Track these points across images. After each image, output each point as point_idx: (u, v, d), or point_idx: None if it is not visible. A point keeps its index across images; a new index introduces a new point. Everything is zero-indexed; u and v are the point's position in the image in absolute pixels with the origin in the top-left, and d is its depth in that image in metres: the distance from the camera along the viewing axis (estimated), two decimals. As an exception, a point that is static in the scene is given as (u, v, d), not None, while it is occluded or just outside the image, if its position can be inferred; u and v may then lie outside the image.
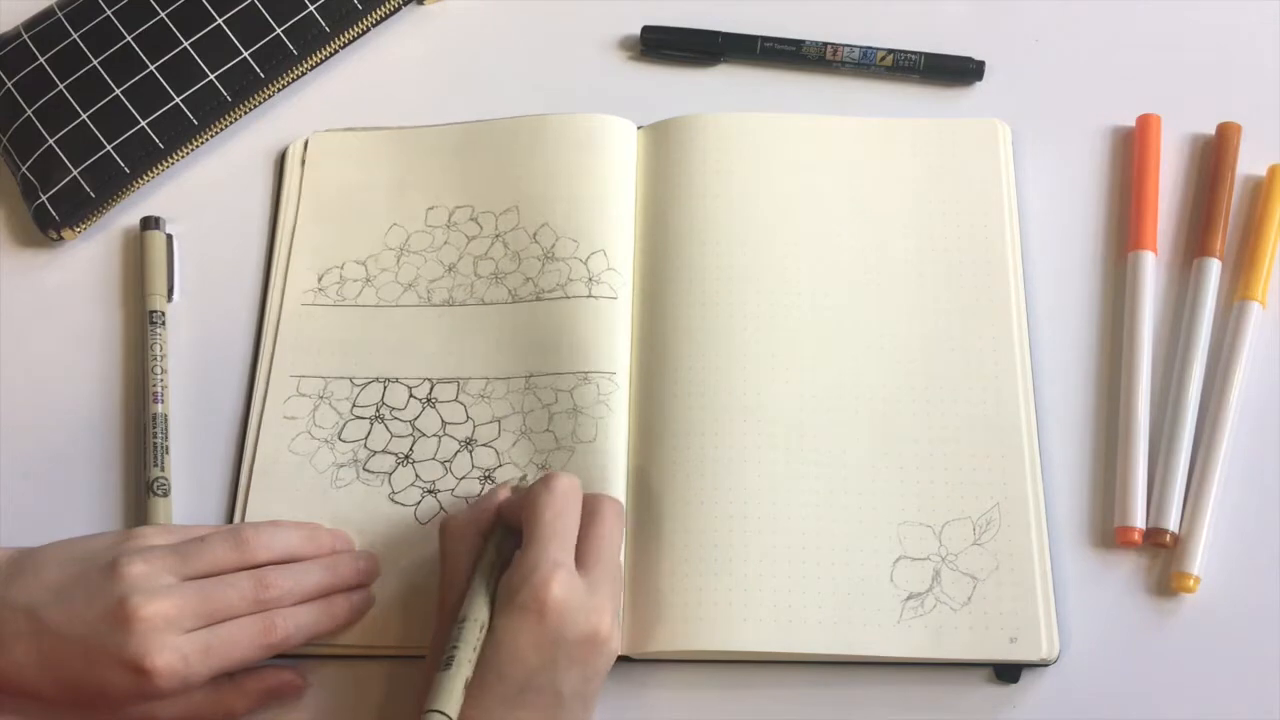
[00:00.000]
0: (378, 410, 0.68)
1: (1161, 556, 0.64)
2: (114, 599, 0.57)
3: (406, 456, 0.67)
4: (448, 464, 0.67)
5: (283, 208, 0.75)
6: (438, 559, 0.61)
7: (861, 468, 0.65)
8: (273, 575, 0.60)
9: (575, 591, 0.56)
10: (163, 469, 0.68)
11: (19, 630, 0.57)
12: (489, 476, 0.66)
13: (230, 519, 0.67)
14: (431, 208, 0.74)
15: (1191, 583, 0.63)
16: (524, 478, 0.66)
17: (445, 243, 0.73)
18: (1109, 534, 0.65)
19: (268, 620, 0.60)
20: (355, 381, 0.69)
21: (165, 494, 0.67)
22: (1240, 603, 0.63)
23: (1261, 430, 0.66)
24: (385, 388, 0.69)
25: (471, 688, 0.55)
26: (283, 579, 0.60)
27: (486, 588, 0.57)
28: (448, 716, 0.53)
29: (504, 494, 0.61)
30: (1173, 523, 0.64)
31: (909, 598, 0.62)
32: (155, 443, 0.68)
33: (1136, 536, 0.64)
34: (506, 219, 0.72)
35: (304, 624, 0.61)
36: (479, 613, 0.57)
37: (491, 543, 0.60)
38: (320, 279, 0.72)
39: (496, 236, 0.72)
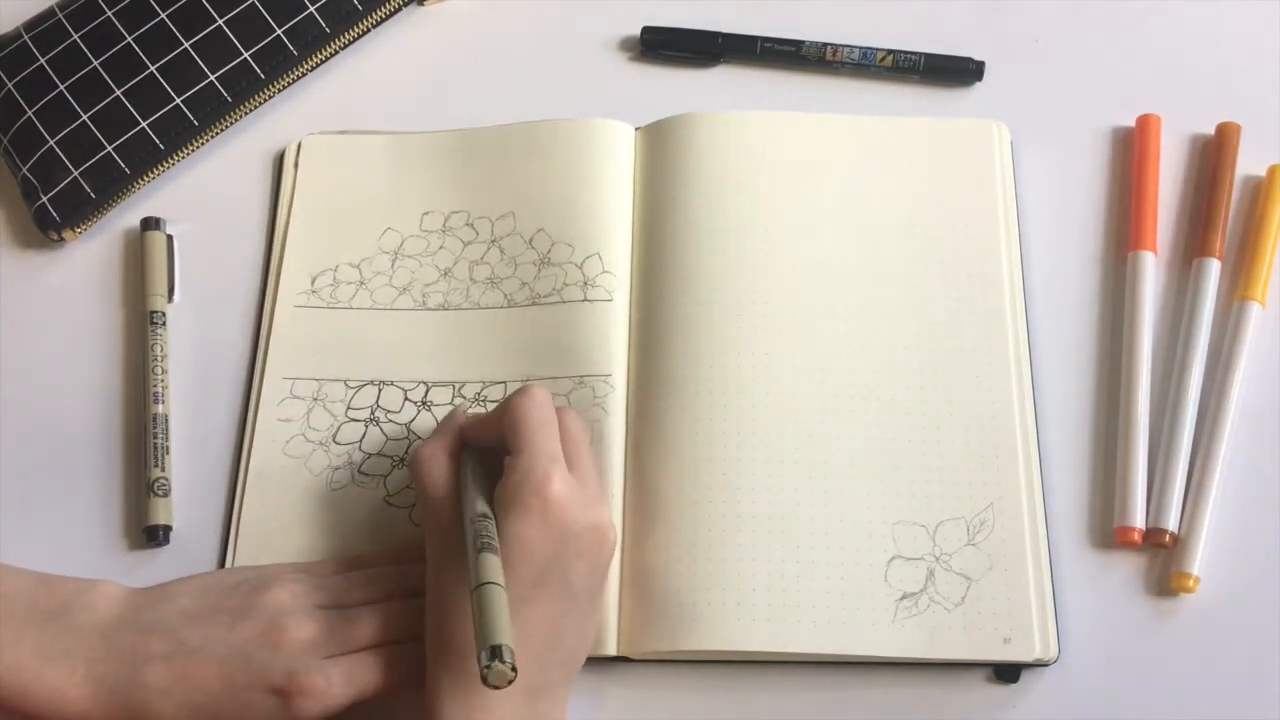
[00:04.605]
0: (372, 413, 0.69)
1: (1161, 556, 0.64)
2: (264, 619, 0.58)
3: (402, 460, 0.67)
4: None
5: (280, 209, 0.75)
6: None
7: (857, 467, 0.65)
8: (417, 607, 0.59)
9: (572, 486, 0.58)
10: (163, 469, 0.68)
11: (153, 653, 0.57)
12: None
13: (230, 520, 0.67)
14: (427, 212, 0.74)
15: (1191, 583, 0.63)
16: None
17: (440, 247, 0.73)
18: (1109, 534, 0.65)
19: (410, 651, 0.58)
20: (349, 384, 0.69)
21: (165, 494, 0.67)
22: (1240, 603, 0.63)
23: (1261, 430, 0.66)
24: (380, 391, 0.69)
25: None
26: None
27: (481, 496, 0.58)
28: (500, 586, 0.54)
29: (454, 416, 0.63)
30: (1172, 523, 0.64)
31: (903, 598, 0.62)
32: (155, 443, 0.68)
33: (1136, 536, 0.64)
34: (503, 224, 0.73)
35: None
36: (488, 511, 0.58)
37: (466, 460, 0.61)
38: (313, 281, 0.72)
39: (493, 242, 0.72)
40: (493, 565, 0.54)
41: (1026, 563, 0.62)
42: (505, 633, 0.52)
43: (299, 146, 0.76)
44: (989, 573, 0.62)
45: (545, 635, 0.56)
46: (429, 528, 0.60)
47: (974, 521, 0.63)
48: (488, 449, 0.62)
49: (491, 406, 0.67)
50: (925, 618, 0.61)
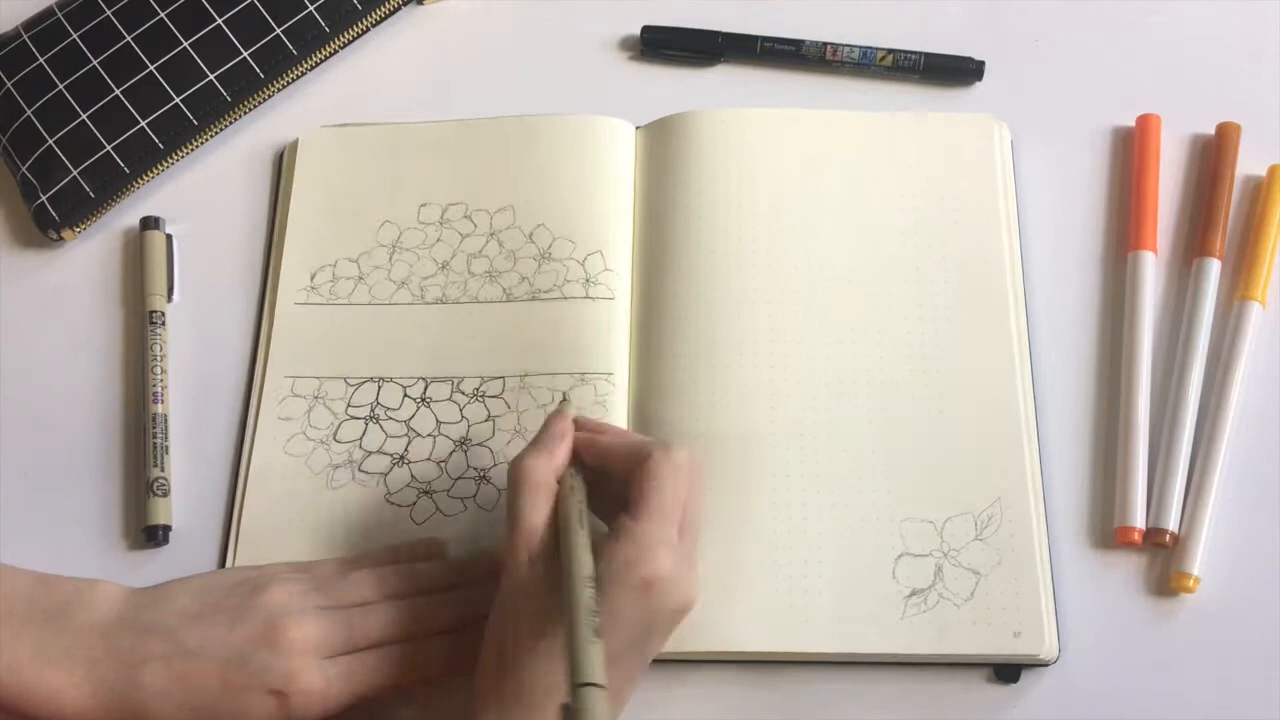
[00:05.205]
0: (372, 410, 0.68)
1: (1161, 556, 0.64)
2: (262, 620, 0.57)
3: (402, 457, 0.67)
4: (443, 464, 0.67)
5: (279, 207, 0.75)
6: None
7: (862, 464, 0.65)
8: (417, 607, 0.59)
9: (679, 569, 0.55)
10: (163, 469, 0.68)
11: (151, 653, 0.57)
12: (485, 477, 0.66)
13: (230, 520, 0.67)
14: (424, 204, 0.74)
15: (1191, 583, 0.63)
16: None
17: (438, 240, 0.72)
18: (1109, 534, 0.65)
19: (410, 651, 0.58)
20: (349, 381, 0.69)
21: (165, 494, 0.67)
22: (1240, 603, 0.63)
23: (1261, 430, 0.66)
24: (379, 387, 0.69)
25: None
26: (426, 611, 0.59)
27: (588, 537, 0.55)
28: (604, 688, 0.50)
29: (562, 424, 0.60)
30: (1173, 523, 0.64)
31: (912, 594, 0.62)
32: (155, 443, 0.68)
33: (1136, 536, 0.64)
34: (501, 217, 0.72)
35: (446, 657, 0.59)
36: (594, 572, 0.54)
37: (574, 490, 0.58)
38: (313, 277, 0.72)
39: (491, 235, 0.72)
40: (599, 659, 0.51)
41: (1035, 557, 0.62)
42: None
43: (298, 144, 0.76)
44: (997, 567, 0.62)
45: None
46: (512, 553, 0.57)
47: (981, 516, 0.63)
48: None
49: (490, 402, 0.67)
50: (934, 614, 0.61)
